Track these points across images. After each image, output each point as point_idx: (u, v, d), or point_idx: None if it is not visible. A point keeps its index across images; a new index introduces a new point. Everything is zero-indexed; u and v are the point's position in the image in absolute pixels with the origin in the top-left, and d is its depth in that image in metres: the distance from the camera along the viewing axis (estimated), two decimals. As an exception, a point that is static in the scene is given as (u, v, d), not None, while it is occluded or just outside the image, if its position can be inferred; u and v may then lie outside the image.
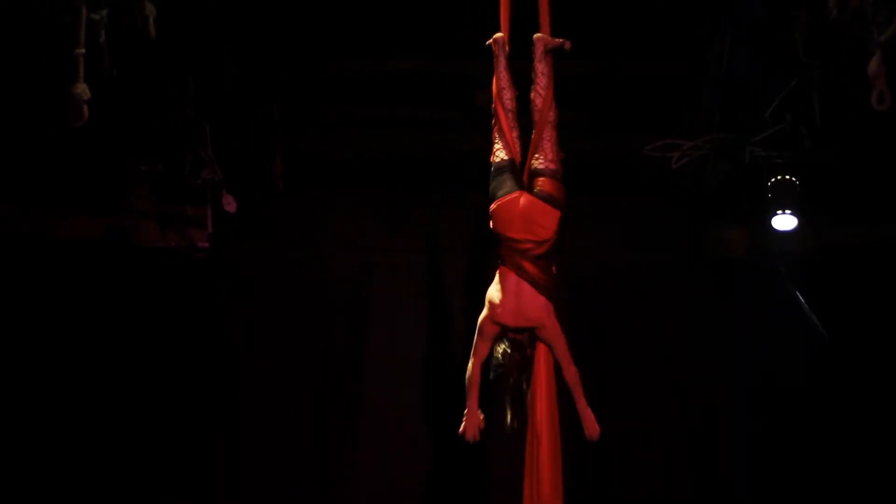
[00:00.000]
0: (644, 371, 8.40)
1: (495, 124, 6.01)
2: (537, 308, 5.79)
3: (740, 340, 8.40)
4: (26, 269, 8.21)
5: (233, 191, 8.13)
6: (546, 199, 5.78)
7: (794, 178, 7.80)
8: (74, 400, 8.16)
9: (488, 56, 6.04)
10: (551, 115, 5.95)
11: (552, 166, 5.89)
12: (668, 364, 8.40)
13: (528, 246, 5.79)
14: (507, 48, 5.95)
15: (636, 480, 8.34)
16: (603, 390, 8.33)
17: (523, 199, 5.78)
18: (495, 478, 8.11)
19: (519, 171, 5.91)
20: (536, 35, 6.01)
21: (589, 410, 5.95)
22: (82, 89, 5.31)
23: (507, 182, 5.82)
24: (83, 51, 5.34)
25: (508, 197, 5.78)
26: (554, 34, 7.37)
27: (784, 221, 7.93)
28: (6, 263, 8.14)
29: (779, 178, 7.82)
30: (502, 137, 5.96)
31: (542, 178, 5.85)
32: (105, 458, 8.15)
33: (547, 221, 5.79)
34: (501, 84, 5.97)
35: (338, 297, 8.55)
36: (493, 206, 5.83)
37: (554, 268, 5.89)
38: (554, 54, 6.04)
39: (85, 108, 5.34)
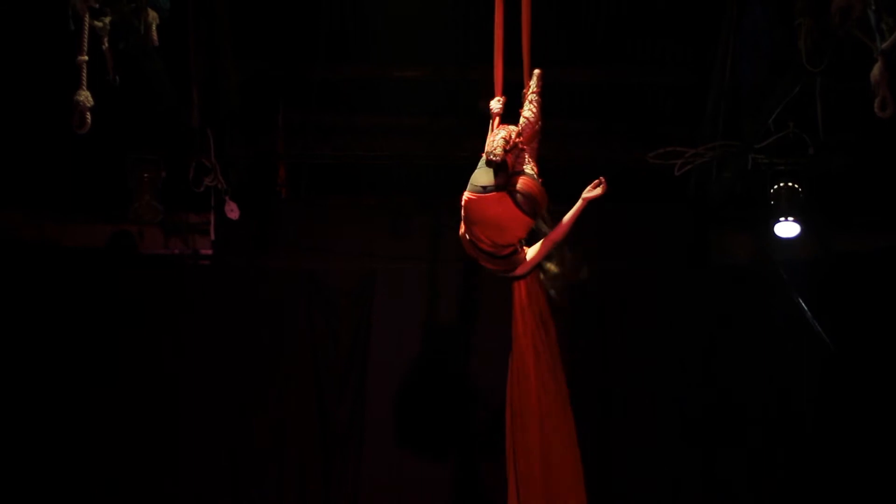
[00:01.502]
0: (647, 378, 8.39)
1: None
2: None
3: (744, 347, 8.39)
4: (32, 274, 8.24)
5: (236, 198, 8.14)
6: (522, 203, 5.65)
7: (797, 186, 7.81)
8: (80, 405, 8.19)
9: (490, 64, 6.03)
10: (535, 143, 5.90)
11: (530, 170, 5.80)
12: (671, 371, 8.38)
13: (489, 249, 5.75)
14: (502, 111, 5.93)
15: (639, 487, 8.32)
16: (606, 397, 8.40)
17: (500, 202, 5.62)
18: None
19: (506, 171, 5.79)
20: (539, 71, 5.92)
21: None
22: (85, 97, 5.31)
23: (491, 174, 5.68)
24: (86, 58, 5.34)
25: (486, 196, 5.63)
26: (560, 43, 7.41)
27: (787, 228, 7.94)
28: (12, 269, 8.16)
29: (782, 185, 7.83)
30: None
31: (523, 177, 5.72)
32: (107, 460, 8.18)
33: (516, 230, 5.69)
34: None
35: (340, 303, 8.55)
36: (468, 197, 5.67)
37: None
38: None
39: (88, 116, 5.34)
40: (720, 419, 8.32)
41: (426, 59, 8.14)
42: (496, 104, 5.93)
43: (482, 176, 5.62)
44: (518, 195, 5.62)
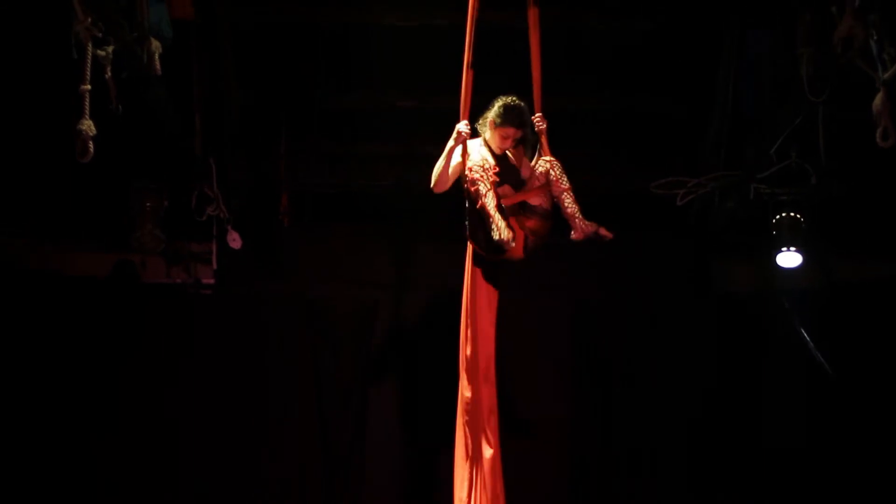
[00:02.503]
0: (648, 406, 8.37)
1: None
2: None
3: (745, 376, 8.37)
4: (35, 302, 8.22)
5: (238, 225, 8.15)
6: (534, 245, 5.87)
7: (798, 215, 7.81)
8: (83, 433, 8.16)
9: (491, 94, 6.08)
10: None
11: (545, 206, 5.93)
12: (673, 400, 8.37)
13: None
14: (469, 135, 6.01)
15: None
16: (608, 425, 8.38)
17: (517, 248, 5.84)
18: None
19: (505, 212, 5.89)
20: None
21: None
22: (88, 125, 5.30)
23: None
24: (89, 87, 5.34)
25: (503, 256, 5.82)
26: (563, 73, 7.40)
27: (789, 258, 7.94)
28: (15, 297, 8.15)
29: (784, 215, 7.83)
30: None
31: (534, 219, 5.89)
32: (110, 483, 8.17)
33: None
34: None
35: (343, 331, 8.55)
36: (486, 258, 5.96)
37: None
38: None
39: (90, 144, 5.33)
40: (721, 447, 8.30)
41: (427, 88, 8.15)
42: (464, 127, 5.97)
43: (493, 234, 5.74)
44: (529, 238, 5.95)
